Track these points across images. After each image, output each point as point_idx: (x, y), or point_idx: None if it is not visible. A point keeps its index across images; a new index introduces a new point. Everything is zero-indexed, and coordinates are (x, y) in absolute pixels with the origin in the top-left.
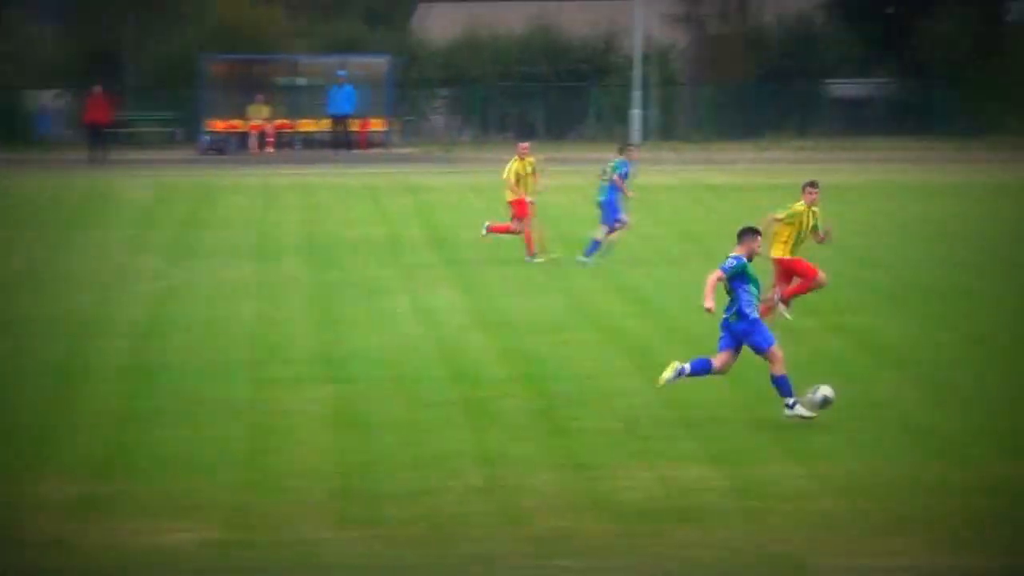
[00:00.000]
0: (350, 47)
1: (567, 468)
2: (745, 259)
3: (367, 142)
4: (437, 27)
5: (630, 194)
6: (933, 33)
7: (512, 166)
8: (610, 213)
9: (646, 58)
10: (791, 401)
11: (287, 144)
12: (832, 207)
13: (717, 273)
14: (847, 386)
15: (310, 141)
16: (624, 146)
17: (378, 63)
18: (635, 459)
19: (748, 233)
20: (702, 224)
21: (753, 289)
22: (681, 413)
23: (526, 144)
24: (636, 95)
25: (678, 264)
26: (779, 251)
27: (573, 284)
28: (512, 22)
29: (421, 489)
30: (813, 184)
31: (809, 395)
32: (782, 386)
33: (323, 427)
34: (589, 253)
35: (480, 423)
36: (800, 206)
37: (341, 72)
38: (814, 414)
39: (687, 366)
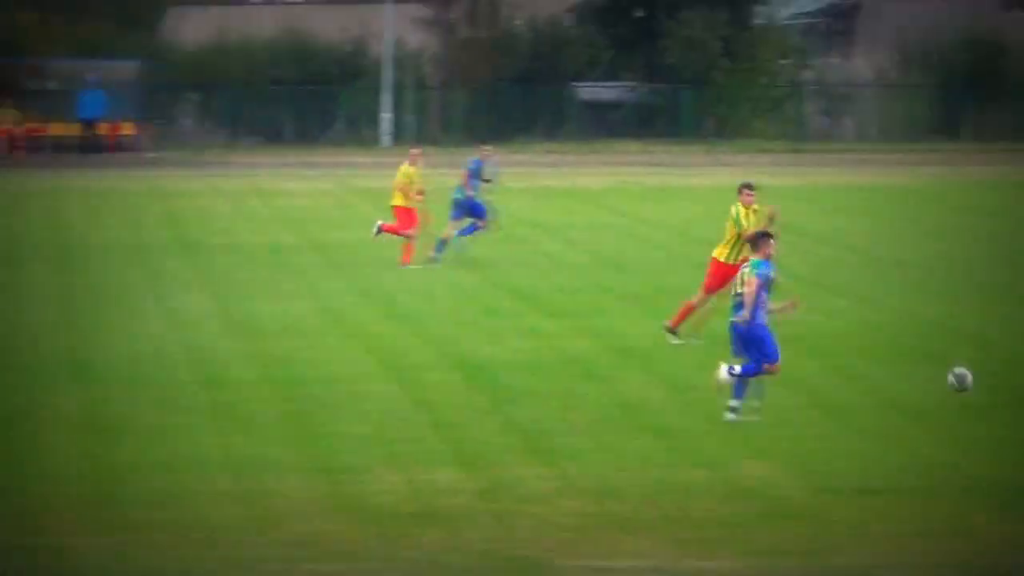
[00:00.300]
0: (100, 51)
1: (317, 472)
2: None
3: (117, 146)
4: (188, 31)
5: (470, 193)
6: (681, 37)
7: (405, 170)
8: (473, 211)
9: (396, 61)
10: (736, 404)
11: (37, 148)
12: (579, 210)
13: (757, 282)
14: (594, 388)
15: (60, 145)
16: (480, 146)
17: (128, 67)
18: (385, 462)
19: (763, 238)
20: (448, 228)
21: (765, 295)
22: (431, 416)
23: (418, 150)
24: (386, 98)
25: (423, 267)
26: (719, 252)
27: (320, 288)
28: (262, 26)
29: (170, 494)
30: (750, 186)
31: (957, 372)
32: (740, 386)
33: (70, 431)
34: (457, 249)
35: (229, 427)
36: (737, 210)
37: (91, 76)
38: (740, 419)
39: (737, 368)
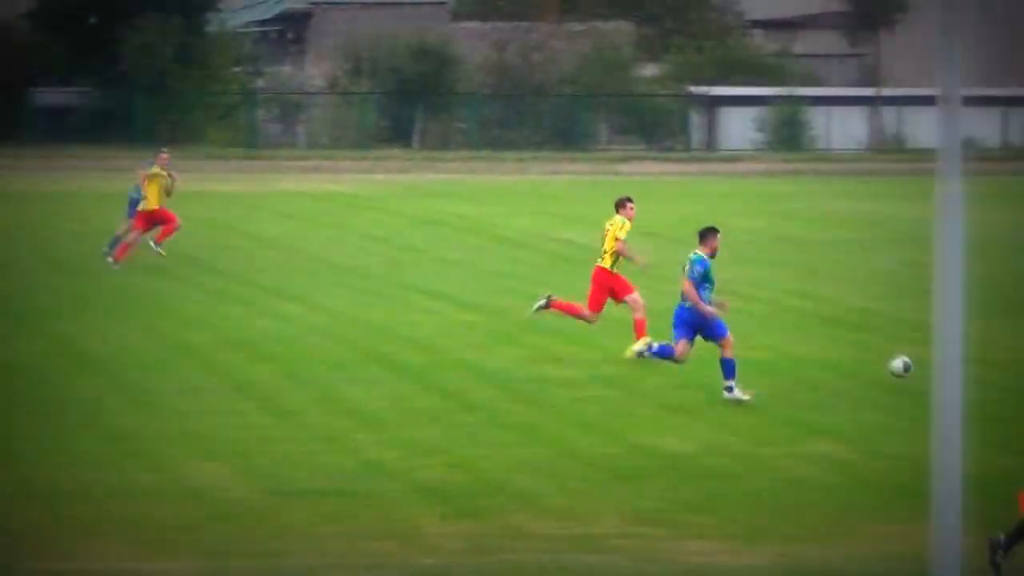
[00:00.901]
0: None
1: None
2: (708, 259)
3: None
4: None
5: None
6: (135, 43)
7: (155, 172)
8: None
9: None
10: (730, 384)
11: None
12: (32, 213)
13: (687, 284)
14: (49, 392)
15: None
16: (159, 150)
17: None
18: None
19: (710, 232)
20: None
21: (709, 287)
22: None
23: (167, 155)
24: None
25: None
26: (606, 262)
27: None
28: None
29: None
30: (631, 200)
31: (892, 362)
32: (728, 368)
33: None
34: (111, 246)
35: None
36: (620, 222)
37: None
38: (748, 398)
39: (655, 346)
